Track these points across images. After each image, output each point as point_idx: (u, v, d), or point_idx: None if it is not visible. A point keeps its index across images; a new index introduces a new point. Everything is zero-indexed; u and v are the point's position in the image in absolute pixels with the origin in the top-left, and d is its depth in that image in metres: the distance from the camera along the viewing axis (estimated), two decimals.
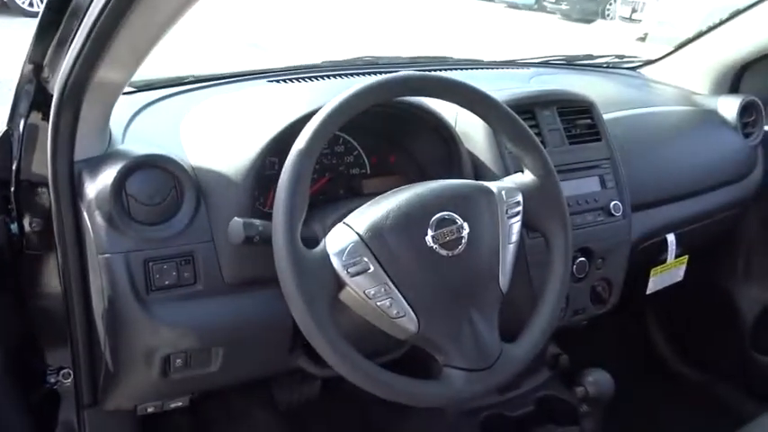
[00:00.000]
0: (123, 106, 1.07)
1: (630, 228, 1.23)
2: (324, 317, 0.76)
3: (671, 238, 1.37)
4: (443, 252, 0.81)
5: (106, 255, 0.88)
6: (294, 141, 0.84)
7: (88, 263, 0.93)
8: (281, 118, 0.96)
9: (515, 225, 0.89)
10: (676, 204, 1.38)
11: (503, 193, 0.89)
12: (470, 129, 1.12)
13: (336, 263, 0.78)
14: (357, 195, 1.11)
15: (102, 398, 1.02)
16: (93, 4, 0.73)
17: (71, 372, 1.05)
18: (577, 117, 1.22)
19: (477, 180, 1.09)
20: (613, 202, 1.21)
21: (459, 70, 1.56)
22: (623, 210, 1.22)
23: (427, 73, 0.89)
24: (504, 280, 0.86)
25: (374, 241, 0.79)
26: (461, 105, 0.91)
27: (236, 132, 1.00)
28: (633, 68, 1.80)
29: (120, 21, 0.73)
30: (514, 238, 0.88)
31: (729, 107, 1.53)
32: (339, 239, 0.80)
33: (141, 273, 0.88)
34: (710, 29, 1.63)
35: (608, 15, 12.14)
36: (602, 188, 1.21)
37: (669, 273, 1.42)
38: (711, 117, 1.53)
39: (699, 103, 1.58)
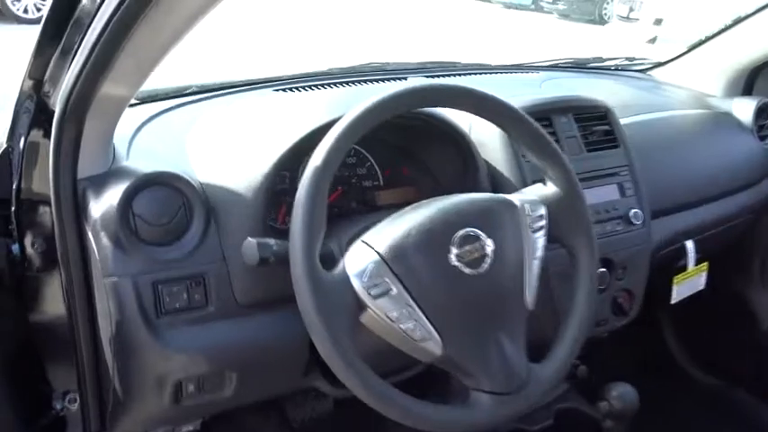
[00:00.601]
0: (126, 120, 1.02)
1: (650, 236, 1.20)
2: (345, 343, 0.73)
3: (689, 244, 1.34)
4: (467, 270, 0.78)
5: (113, 278, 0.84)
6: (307, 155, 0.80)
7: (94, 285, 0.89)
8: (292, 131, 0.93)
9: (540, 239, 0.85)
10: (694, 210, 1.35)
11: (526, 206, 0.85)
12: (486, 138, 1.09)
13: (357, 285, 0.75)
14: (371, 208, 1.07)
15: (110, 424, 0.98)
16: (97, 17, 0.70)
17: (77, 397, 1.01)
18: (594, 123, 1.19)
19: (494, 192, 1.06)
20: (633, 211, 1.17)
21: (467, 75, 1.52)
22: (643, 218, 1.18)
23: (446, 83, 0.85)
24: (529, 297, 0.83)
25: (396, 261, 0.76)
26: (481, 115, 0.88)
27: (246, 146, 0.96)
28: (643, 71, 1.76)
29: (127, 34, 0.69)
30: (539, 253, 0.84)
31: (745, 109, 1.50)
32: (359, 259, 0.76)
33: (150, 296, 0.85)
34: (722, 30, 1.60)
35: (605, 15, 12.12)
36: (621, 196, 1.18)
37: (692, 280, 1.38)
38: (726, 120, 1.50)
39: (713, 105, 1.55)
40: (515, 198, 0.86)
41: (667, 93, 1.60)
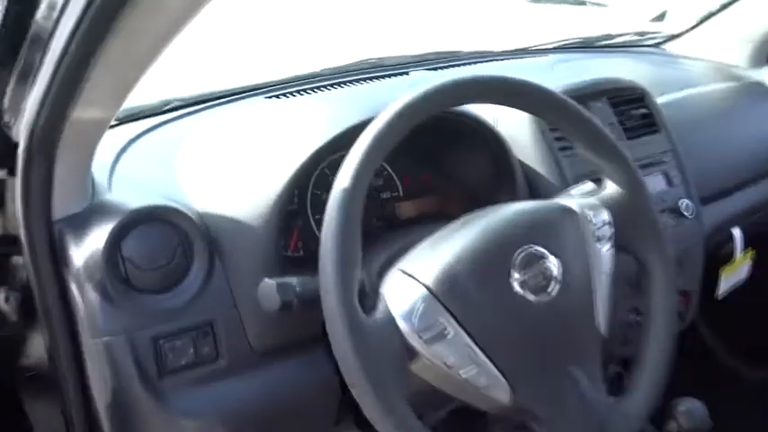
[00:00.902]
0: (105, 144, 0.89)
1: (703, 227, 1.08)
2: (395, 401, 0.59)
3: (736, 231, 1.22)
4: (533, 298, 0.65)
5: (104, 337, 0.70)
6: (318, 171, 0.68)
7: (83, 344, 0.75)
8: (304, 142, 0.79)
9: (607, 251, 0.72)
10: (738, 194, 1.23)
11: (587, 212, 0.72)
12: (516, 132, 0.96)
13: (406, 328, 0.61)
14: (391, 223, 0.94)
15: None
16: (59, 28, 0.55)
17: None
18: (631, 107, 1.06)
19: (533, 196, 0.93)
20: (683, 201, 1.05)
21: (472, 64, 1.39)
22: (694, 208, 1.06)
23: (484, 75, 0.72)
24: (602, 321, 0.70)
25: (449, 295, 0.62)
26: (528, 110, 0.75)
27: (248, 163, 0.82)
28: (656, 45, 1.64)
29: (98, 46, 0.55)
30: (608, 267, 0.72)
31: None
32: (403, 296, 0.63)
33: (150, 355, 0.71)
34: None
35: None
36: (668, 186, 1.06)
37: (738, 271, 1.27)
38: (760, 90, 1.38)
39: (741, 76, 1.43)
40: (573, 203, 0.73)
41: (688, 66, 1.48)
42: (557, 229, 0.69)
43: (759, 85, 1.39)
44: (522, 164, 0.95)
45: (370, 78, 1.21)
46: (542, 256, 0.66)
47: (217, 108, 1.07)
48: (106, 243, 0.69)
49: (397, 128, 0.66)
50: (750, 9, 1.49)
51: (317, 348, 0.75)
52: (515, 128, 0.96)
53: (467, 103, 0.76)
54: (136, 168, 0.87)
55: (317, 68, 1.33)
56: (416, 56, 1.44)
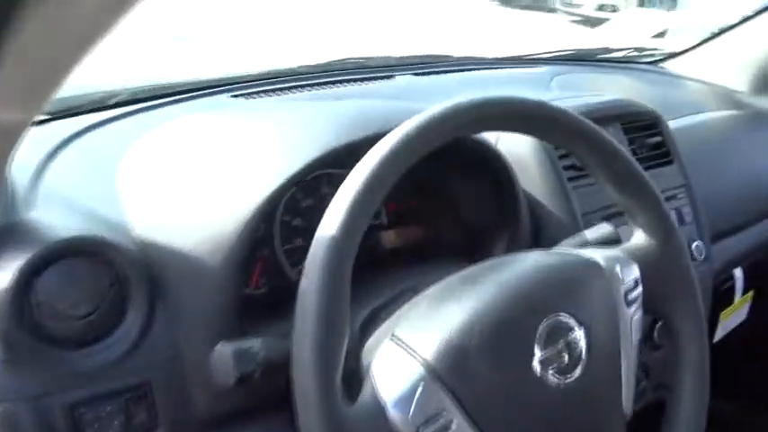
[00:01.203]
0: (31, 143, 0.73)
1: (712, 272, 0.97)
2: None
3: (738, 273, 1.13)
4: (554, 380, 0.52)
5: (2, 404, 0.55)
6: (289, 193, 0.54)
7: None
8: (272, 162, 0.65)
9: (637, 316, 0.60)
10: (743, 233, 1.13)
11: (616, 268, 0.60)
12: (520, 154, 0.83)
13: (399, 418, 0.48)
14: (375, 255, 0.81)
15: None
16: None
17: None
18: (644, 134, 0.95)
19: (536, 236, 0.81)
20: (695, 243, 0.94)
21: (463, 71, 1.27)
22: (705, 251, 0.96)
23: (509, 96, 0.59)
24: (627, 400, 0.58)
25: (455, 377, 0.49)
26: (550, 140, 0.62)
27: (206, 181, 0.68)
28: (654, 62, 1.55)
29: (4, 33, 0.39)
30: (637, 336, 0.60)
31: None
32: (397, 374, 0.49)
33: (66, 427, 0.55)
34: (747, 18, 1.40)
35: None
36: (679, 224, 0.94)
37: (736, 314, 1.17)
38: (765, 120, 1.29)
39: (745, 103, 1.34)
40: (599, 256, 0.61)
41: (692, 89, 1.38)
42: (585, 292, 0.57)
43: (764, 114, 1.30)
44: (526, 193, 0.82)
45: (352, 80, 1.07)
46: (570, 329, 0.53)
47: (173, 105, 0.91)
48: (14, 282, 0.54)
49: (403, 157, 0.52)
50: (753, 33, 1.41)
51: (278, 417, 0.61)
52: (519, 149, 0.83)
53: (486, 131, 0.62)
54: (68, 177, 0.71)
55: (291, 64, 1.18)
56: (402, 58, 1.31)
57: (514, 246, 0.80)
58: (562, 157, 0.85)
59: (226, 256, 0.61)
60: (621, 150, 0.61)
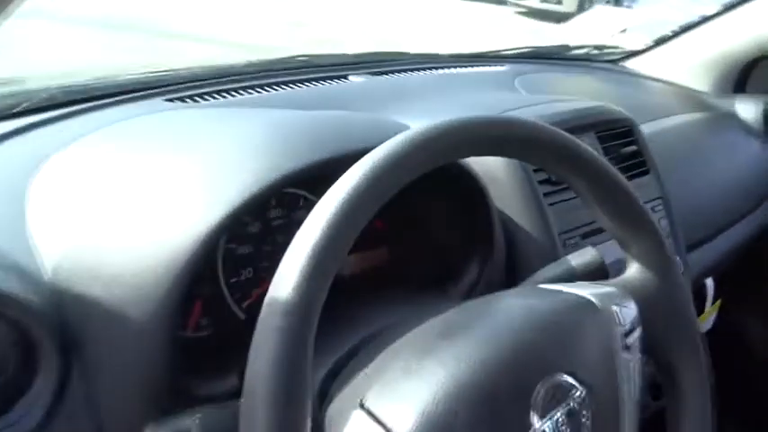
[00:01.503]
0: None
1: (689, 286, 0.92)
2: None
3: (709, 282, 1.08)
4: None
5: None
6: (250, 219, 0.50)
7: None
8: (217, 187, 0.55)
9: (636, 363, 0.53)
10: (713, 242, 1.09)
11: (613, 308, 0.53)
12: (492, 169, 0.75)
13: None
14: (336, 282, 0.71)
15: None
16: None
17: None
18: (619, 142, 0.88)
19: (509, 261, 0.73)
20: None
21: (421, 71, 1.18)
22: (682, 265, 0.90)
23: (507, 118, 0.50)
24: None
25: None
26: (536, 163, 0.55)
27: (134, 207, 0.57)
28: (613, 61, 1.50)
29: None
30: (636, 387, 0.52)
31: (750, 110, 1.27)
32: None
33: None
34: (709, 18, 1.36)
35: None
36: None
37: (705, 323, 1.13)
38: (732, 123, 1.26)
39: (711, 104, 1.30)
40: (592, 294, 0.53)
41: (657, 89, 1.34)
42: (582, 342, 0.49)
43: (731, 116, 1.27)
44: (499, 211, 0.74)
45: (301, 81, 0.97)
46: (569, 390, 0.45)
47: (94, 113, 0.78)
48: None
49: (385, 185, 0.43)
50: (716, 32, 1.38)
51: None
52: (490, 162, 0.75)
53: (476, 156, 0.54)
54: None
55: (233, 61, 1.07)
56: (356, 55, 1.22)
57: (488, 269, 0.72)
58: (537, 170, 0.77)
59: (157, 303, 0.50)
60: (618, 175, 0.54)
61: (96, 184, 0.61)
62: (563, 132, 0.53)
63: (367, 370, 0.47)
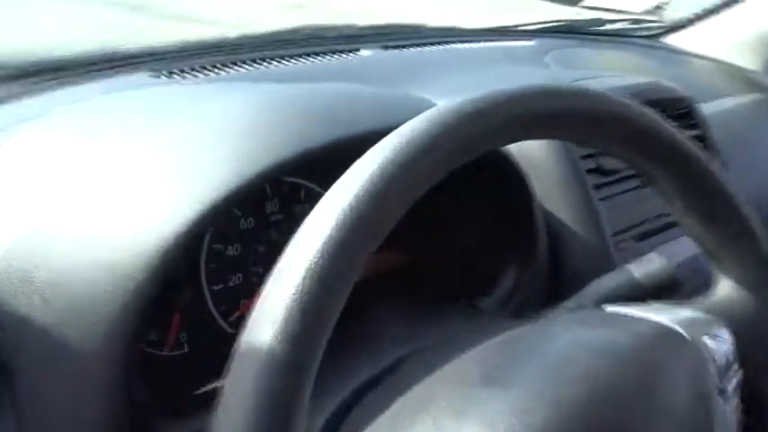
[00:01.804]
0: None
1: None
2: None
3: None
4: None
5: None
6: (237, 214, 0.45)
7: None
8: (206, 172, 0.45)
9: (733, 411, 0.41)
10: None
11: (704, 340, 0.40)
12: (533, 156, 0.63)
13: None
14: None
15: None
16: None
17: None
18: (680, 125, 0.76)
19: (555, 268, 0.62)
20: None
21: (438, 44, 1.05)
22: None
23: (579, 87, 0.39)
24: None
25: None
26: (617, 152, 0.43)
27: (104, 193, 0.45)
28: (651, 36, 1.37)
29: None
30: None
31: None
32: None
33: None
34: None
35: None
36: None
37: None
38: None
39: (762, 84, 1.18)
40: (677, 322, 0.41)
41: (705, 69, 1.21)
42: (671, 391, 0.37)
43: None
44: (542, 207, 0.62)
45: (307, 54, 0.85)
46: None
47: (67, 88, 0.67)
48: None
49: (420, 177, 0.32)
50: (764, 5, 1.24)
51: None
52: (532, 147, 0.63)
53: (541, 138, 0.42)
54: None
55: (229, 33, 0.95)
56: (368, 27, 1.10)
57: (527, 277, 0.60)
58: (585, 157, 0.65)
59: (113, 318, 0.39)
60: (719, 170, 0.42)
61: (50, 169, 0.50)
62: (653, 113, 0.41)
63: (389, 422, 0.35)
